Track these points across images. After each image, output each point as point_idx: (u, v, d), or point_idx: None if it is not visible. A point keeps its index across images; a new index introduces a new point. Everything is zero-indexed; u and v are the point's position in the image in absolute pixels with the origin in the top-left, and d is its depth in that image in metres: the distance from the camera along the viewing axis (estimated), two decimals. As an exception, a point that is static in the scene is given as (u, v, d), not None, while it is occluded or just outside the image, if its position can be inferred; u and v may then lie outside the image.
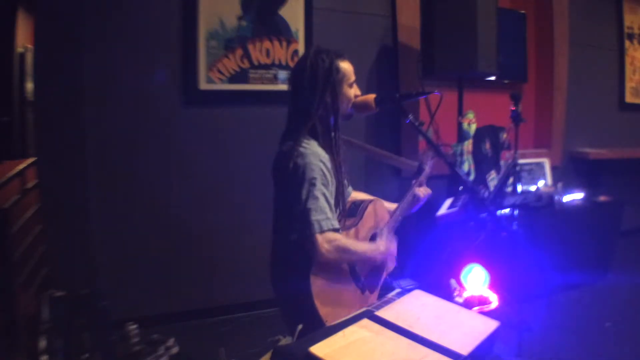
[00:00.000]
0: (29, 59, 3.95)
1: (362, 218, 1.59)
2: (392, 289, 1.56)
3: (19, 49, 3.92)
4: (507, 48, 3.22)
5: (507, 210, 2.89)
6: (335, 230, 1.42)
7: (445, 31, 2.74)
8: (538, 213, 3.00)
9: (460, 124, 2.97)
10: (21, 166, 2.49)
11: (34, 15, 3.15)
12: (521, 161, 3.24)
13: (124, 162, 2.55)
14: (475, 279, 2.12)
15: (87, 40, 2.41)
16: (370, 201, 1.66)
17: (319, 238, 1.37)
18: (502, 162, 3.10)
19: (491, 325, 1.25)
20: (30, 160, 2.66)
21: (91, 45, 2.41)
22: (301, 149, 1.44)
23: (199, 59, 2.63)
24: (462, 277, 2.15)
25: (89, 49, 2.41)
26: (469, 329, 1.22)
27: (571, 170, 4.07)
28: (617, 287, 3.15)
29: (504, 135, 3.09)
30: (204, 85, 2.66)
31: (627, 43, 4.35)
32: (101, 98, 2.46)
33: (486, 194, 2.90)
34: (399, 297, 1.38)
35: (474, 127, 2.96)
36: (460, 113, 3.00)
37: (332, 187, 1.48)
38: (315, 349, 1.05)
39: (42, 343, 1.94)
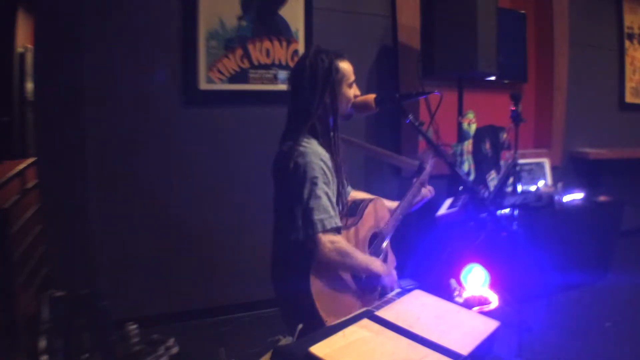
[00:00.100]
0: (29, 59, 3.95)
1: (362, 217, 1.59)
2: (392, 289, 1.56)
3: (19, 49, 3.92)
4: (507, 48, 3.22)
5: (507, 210, 2.89)
6: (338, 228, 1.42)
7: (445, 31, 2.74)
8: (538, 213, 3.00)
9: (460, 124, 2.97)
10: (21, 166, 2.49)
11: (34, 15, 3.15)
12: (521, 161, 3.24)
13: (124, 162, 2.55)
14: (475, 279, 2.12)
15: (87, 40, 2.41)
16: (371, 200, 1.66)
17: (322, 237, 1.37)
18: (502, 162, 3.10)
19: (491, 325, 1.25)
20: (30, 160, 2.66)
21: (91, 45, 2.41)
22: (301, 148, 1.44)
23: (199, 59, 2.63)
24: (462, 277, 2.14)
25: (89, 49, 2.41)
26: (469, 329, 1.22)
27: (571, 170, 4.07)
28: (617, 287, 3.15)
29: (504, 135, 3.09)
30: (204, 85, 2.66)
31: (627, 43, 4.35)
32: (101, 98, 2.46)
33: (486, 194, 2.90)
34: (399, 297, 1.38)
35: (474, 127, 2.97)
36: (460, 113, 3.00)
37: (333, 186, 1.48)
38: (315, 349, 1.05)
39: (42, 343, 1.94)
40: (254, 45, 2.76)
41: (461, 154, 2.95)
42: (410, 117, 1.57)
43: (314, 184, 1.40)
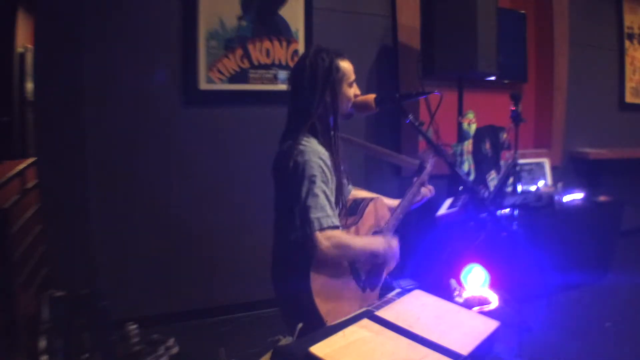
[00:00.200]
0: (29, 59, 3.95)
1: (363, 217, 1.59)
2: (392, 289, 1.56)
3: (19, 49, 3.92)
4: (507, 48, 3.22)
5: (507, 210, 2.89)
6: (335, 227, 1.42)
7: (445, 31, 2.74)
8: (538, 213, 3.00)
9: (460, 124, 2.97)
10: (21, 166, 2.49)
11: (34, 15, 3.15)
12: (521, 161, 3.24)
13: (124, 162, 2.55)
14: (475, 279, 2.12)
15: (87, 40, 2.41)
16: (371, 199, 1.66)
17: (319, 236, 1.36)
18: (502, 162, 3.10)
19: (491, 325, 1.25)
20: (30, 160, 2.66)
21: (91, 45, 2.41)
22: (301, 147, 1.44)
23: (199, 59, 2.63)
24: (462, 277, 2.14)
25: (89, 49, 2.41)
26: (469, 329, 1.22)
27: (571, 170, 4.07)
28: (617, 287, 3.15)
29: (504, 135, 3.09)
30: (204, 85, 2.66)
31: (627, 43, 4.35)
32: (101, 98, 2.46)
33: (486, 194, 2.90)
34: (399, 297, 1.38)
35: (474, 127, 2.97)
36: (460, 113, 3.00)
37: (332, 185, 1.48)
38: (315, 349, 1.05)
39: (42, 343, 1.94)
40: (254, 45, 2.76)
41: (461, 154, 2.95)
42: (410, 117, 1.57)
43: (312, 182, 1.40)
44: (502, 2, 3.33)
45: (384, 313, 1.26)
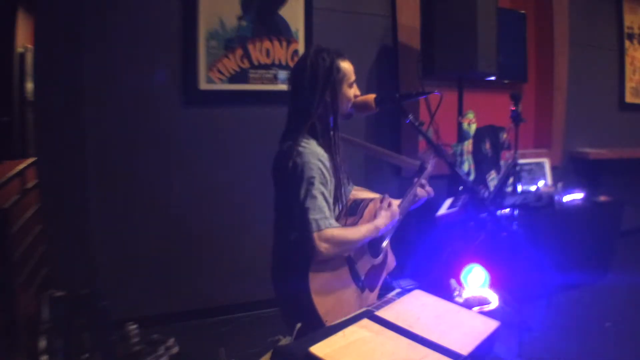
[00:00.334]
0: (29, 59, 3.94)
1: (362, 217, 1.59)
2: (392, 289, 1.55)
3: (19, 49, 3.92)
4: (507, 48, 3.22)
5: (507, 210, 2.89)
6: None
7: (445, 31, 2.74)
8: (538, 213, 2.99)
9: (460, 124, 2.97)
10: (21, 166, 2.49)
11: (34, 15, 3.15)
12: (521, 161, 3.24)
13: (124, 162, 2.55)
14: (475, 279, 2.12)
15: (87, 40, 2.41)
16: (371, 199, 1.66)
17: (317, 237, 1.37)
18: (502, 162, 3.10)
19: (491, 325, 1.24)
20: (30, 160, 2.66)
21: (91, 45, 2.41)
22: (300, 148, 1.44)
23: (199, 59, 2.63)
24: (462, 277, 2.14)
25: (89, 49, 2.41)
26: (469, 329, 1.22)
27: (571, 170, 4.07)
28: (617, 287, 3.15)
29: (504, 135, 3.09)
30: (204, 85, 2.66)
31: (627, 43, 4.35)
32: (101, 98, 2.46)
33: (486, 194, 2.90)
34: (399, 297, 1.38)
35: (474, 127, 2.96)
36: (460, 113, 3.00)
37: (331, 186, 1.48)
38: (315, 349, 1.05)
39: (42, 343, 1.94)
40: (254, 45, 2.76)
41: (461, 154, 2.95)
42: (410, 117, 1.57)
43: (311, 183, 1.40)
44: (502, 2, 3.33)
45: (384, 313, 1.26)
